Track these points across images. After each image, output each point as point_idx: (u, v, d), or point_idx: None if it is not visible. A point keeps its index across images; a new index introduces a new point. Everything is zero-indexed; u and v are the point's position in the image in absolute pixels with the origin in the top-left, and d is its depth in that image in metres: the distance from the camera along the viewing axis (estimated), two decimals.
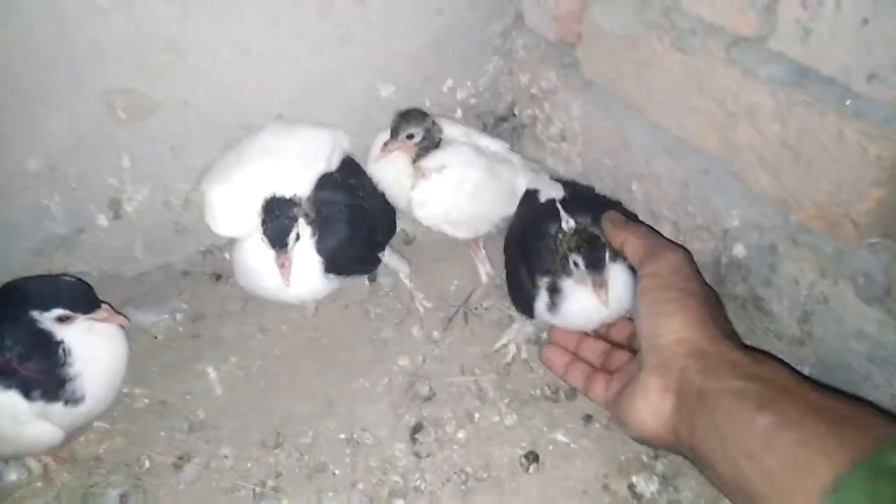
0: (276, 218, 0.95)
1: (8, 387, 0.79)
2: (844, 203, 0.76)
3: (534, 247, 0.91)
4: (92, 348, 0.83)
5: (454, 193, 1.03)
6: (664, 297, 0.73)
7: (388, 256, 1.13)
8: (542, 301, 0.91)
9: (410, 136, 1.01)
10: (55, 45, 0.83)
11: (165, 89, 0.94)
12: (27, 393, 0.79)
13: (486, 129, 1.27)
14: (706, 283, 0.78)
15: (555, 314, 0.90)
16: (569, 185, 1.00)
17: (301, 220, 0.97)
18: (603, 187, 1.08)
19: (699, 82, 0.85)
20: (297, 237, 0.96)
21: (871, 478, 0.49)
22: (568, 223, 0.88)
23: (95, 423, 0.98)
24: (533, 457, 0.95)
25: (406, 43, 1.09)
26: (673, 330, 0.69)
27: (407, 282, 1.15)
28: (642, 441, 0.75)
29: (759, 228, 0.85)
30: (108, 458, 0.95)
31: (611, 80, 1.00)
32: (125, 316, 0.88)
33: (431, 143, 1.04)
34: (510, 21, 1.16)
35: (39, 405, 0.81)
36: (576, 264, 0.84)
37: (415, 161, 1.03)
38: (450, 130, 1.08)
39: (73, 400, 0.82)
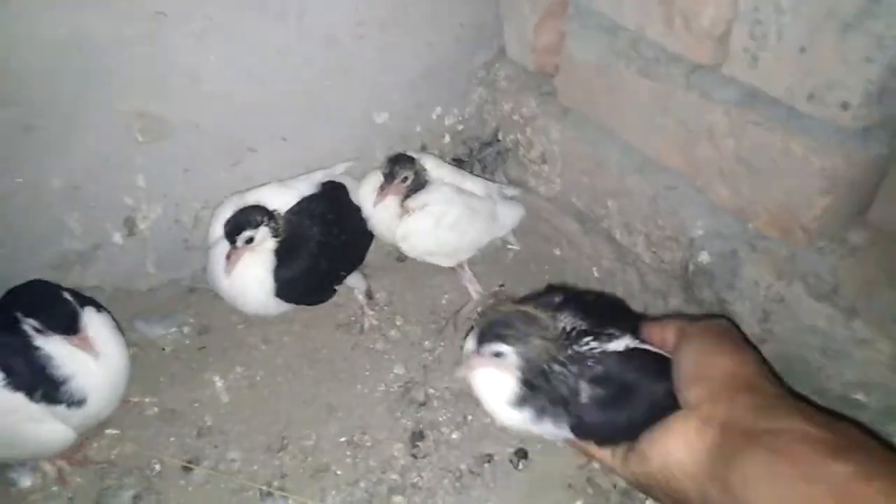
0: (238, 216, 1.02)
1: (15, 389, 0.84)
2: (795, 211, 0.85)
3: None
4: (80, 357, 0.87)
5: (435, 227, 1.12)
6: (714, 341, 0.68)
7: (349, 276, 1.19)
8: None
9: (404, 180, 1.10)
10: (83, 71, 0.91)
11: (180, 113, 1.02)
12: (31, 394, 0.85)
13: (472, 153, 1.36)
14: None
15: None
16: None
17: (265, 230, 1.03)
18: (581, 205, 1.17)
19: (663, 105, 0.95)
20: (251, 240, 1.02)
21: None
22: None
23: (107, 430, 1.04)
24: (522, 454, 1.02)
25: (400, 74, 1.19)
26: (723, 366, 0.64)
27: (360, 297, 1.22)
28: (659, 479, 0.64)
29: (721, 237, 0.93)
30: (120, 463, 1.01)
31: (586, 106, 1.10)
32: (97, 349, 0.88)
33: (419, 184, 1.13)
34: (493, 54, 1.27)
35: (44, 407, 0.85)
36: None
37: (403, 201, 1.12)
38: (436, 172, 1.17)
39: (74, 402, 0.87)
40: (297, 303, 1.11)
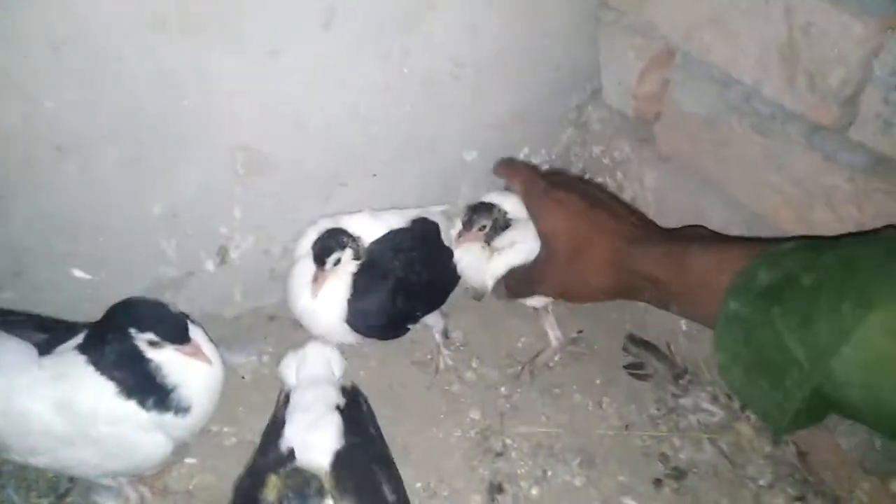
0: (325, 239, 1.03)
1: (128, 397, 0.86)
2: None
3: None
4: (185, 366, 0.90)
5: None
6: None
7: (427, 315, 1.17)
8: None
9: (482, 228, 1.09)
10: (194, 106, 0.93)
11: (282, 148, 1.03)
12: (143, 402, 0.86)
13: None
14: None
15: None
16: None
17: (349, 252, 1.03)
18: None
19: (777, 163, 0.91)
20: (338, 262, 1.02)
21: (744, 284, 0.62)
22: None
23: (186, 459, 1.04)
24: None
25: (492, 114, 1.18)
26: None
27: (438, 337, 1.20)
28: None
29: None
30: (198, 494, 1.00)
31: (688, 156, 1.06)
32: (208, 356, 0.92)
33: (500, 227, 1.11)
34: (586, 96, 1.25)
35: (154, 415, 0.87)
36: None
37: (488, 243, 1.11)
38: (519, 210, 1.13)
39: (181, 409, 0.89)
40: (365, 335, 1.09)
